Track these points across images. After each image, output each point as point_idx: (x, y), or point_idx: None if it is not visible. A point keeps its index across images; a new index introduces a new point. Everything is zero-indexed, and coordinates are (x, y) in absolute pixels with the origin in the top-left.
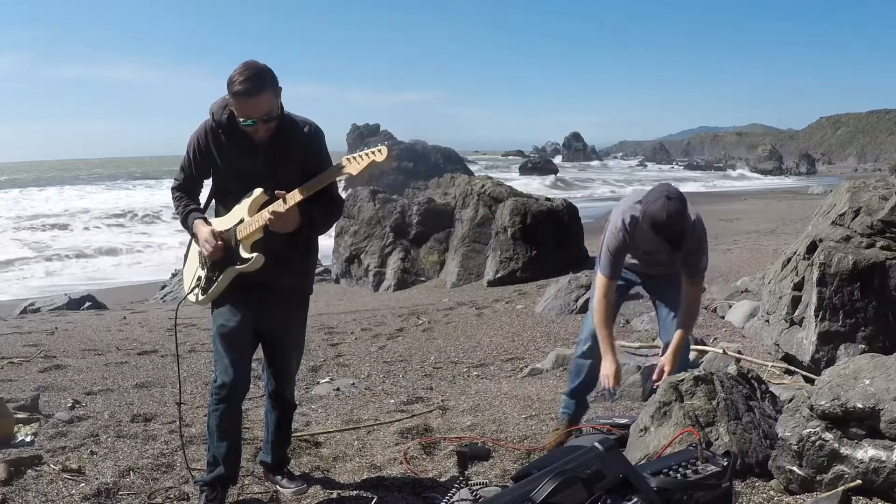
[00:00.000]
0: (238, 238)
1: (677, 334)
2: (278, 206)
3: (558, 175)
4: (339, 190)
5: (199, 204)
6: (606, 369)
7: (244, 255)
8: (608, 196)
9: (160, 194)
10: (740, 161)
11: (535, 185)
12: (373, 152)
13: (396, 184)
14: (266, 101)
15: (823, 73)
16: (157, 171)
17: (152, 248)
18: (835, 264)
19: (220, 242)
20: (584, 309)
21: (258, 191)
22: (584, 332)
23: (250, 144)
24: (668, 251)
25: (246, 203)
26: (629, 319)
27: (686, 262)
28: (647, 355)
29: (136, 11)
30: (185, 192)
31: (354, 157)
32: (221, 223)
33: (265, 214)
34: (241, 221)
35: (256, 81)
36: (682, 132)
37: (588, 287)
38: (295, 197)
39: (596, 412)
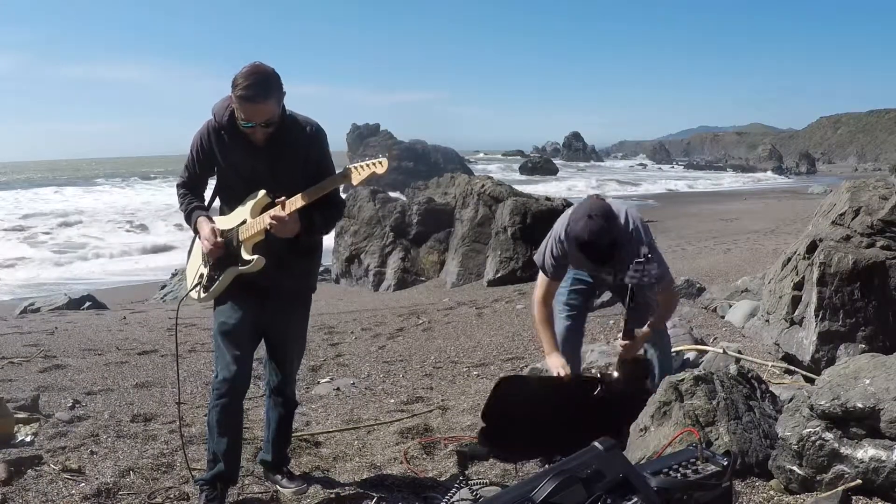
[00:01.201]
0: (240, 239)
1: (644, 329)
2: (278, 211)
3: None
4: (340, 191)
5: (204, 201)
6: (553, 364)
7: (245, 256)
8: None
9: (161, 194)
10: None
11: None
12: (374, 164)
13: (396, 184)
14: (268, 108)
15: (823, 73)
16: (157, 170)
17: (152, 248)
18: (835, 264)
19: (220, 240)
20: None
21: (261, 192)
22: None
23: (252, 145)
24: (603, 270)
25: (249, 204)
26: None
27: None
28: None
29: (137, 11)
30: (190, 189)
31: (357, 168)
32: (224, 222)
33: (266, 218)
34: (244, 223)
35: (261, 88)
36: (682, 132)
37: None
38: (296, 202)
39: None
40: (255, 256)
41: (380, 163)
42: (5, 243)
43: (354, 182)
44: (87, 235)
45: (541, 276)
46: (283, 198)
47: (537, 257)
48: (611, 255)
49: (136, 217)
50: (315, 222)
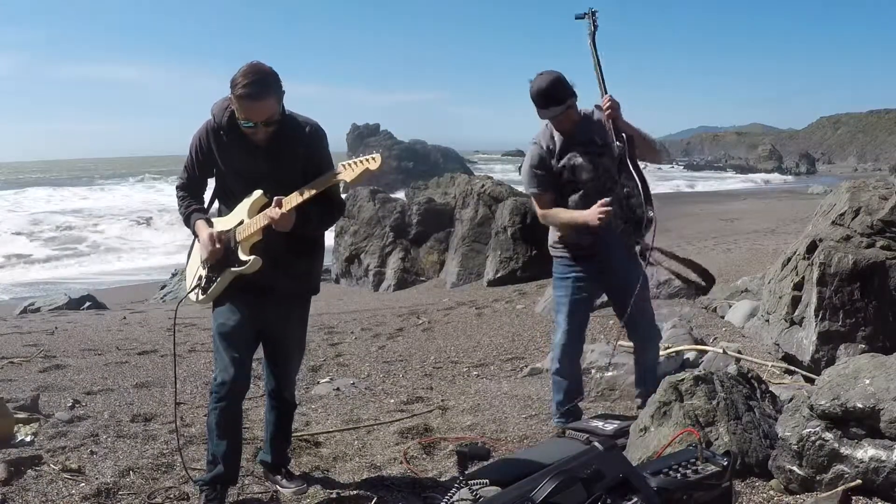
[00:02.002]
0: (237, 240)
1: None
2: (273, 211)
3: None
4: (340, 191)
5: (203, 203)
6: (590, 217)
7: (242, 257)
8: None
9: (161, 194)
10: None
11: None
12: (366, 160)
13: (396, 184)
14: (268, 107)
15: (823, 73)
16: (158, 170)
17: (152, 248)
18: (835, 264)
19: (219, 246)
20: None
21: (258, 192)
22: (553, 350)
23: (251, 145)
24: (564, 111)
25: (246, 204)
26: None
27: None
28: None
29: (137, 11)
30: (189, 191)
31: (349, 164)
32: (222, 223)
33: (264, 218)
34: (241, 223)
35: (260, 86)
36: (682, 132)
37: None
38: (292, 201)
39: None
40: (252, 257)
41: (373, 159)
42: (5, 243)
43: (347, 179)
44: (87, 236)
45: (534, 200)
46: (277, 198)
47: (524, 184)
48: (564, 92)
49: (135, 217)
50: (311, 219)
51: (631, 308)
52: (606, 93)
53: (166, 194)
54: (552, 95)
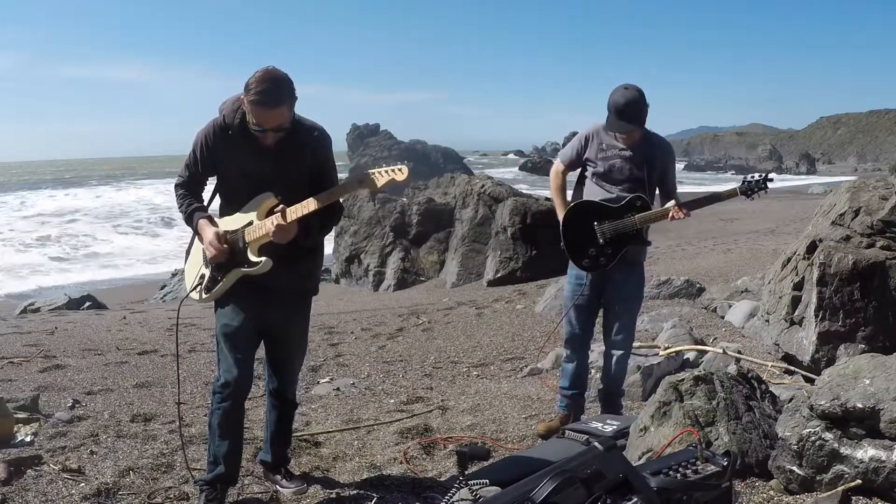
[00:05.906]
0: (246, 240)
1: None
2: (280, 219)
3: None
4: None
5: (203, 202)
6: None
7: (252, 258)
8: None
9: (160, 194)
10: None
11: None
12: (393, 171)
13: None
14: (280, 114)
15: (823, 73)
16: (159, 170)
17: (151, 247)
18: (835, 264)
19: (225, 246)
20: None
21: (269, 195)
22: (564, 341)
23: (260, 146)
24: (630, 131)
25: (256, 205)
26: None
27: (661, 179)
28: (646, 355)
29: (137, 11)
30: (189, 189)
31: (376, 174)
32: (228, 223)
33: (271, 223)
34: (251, 224)
35: (275, 94)
36: (681, 132)
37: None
38: (308, 206)
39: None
40: (263, 259)
41: (399, 170)
42: (5, 243)
43: (373, 189)
44: (87, 235)
45: (554, 165)
46: (281, 206)
47: (560, 153)
48: (639, 115)
49: (134, 216)
50: (312, 227)
51: (612, 316)
52: (693, 209)
53: (165, 194)
54: (627, 114)
